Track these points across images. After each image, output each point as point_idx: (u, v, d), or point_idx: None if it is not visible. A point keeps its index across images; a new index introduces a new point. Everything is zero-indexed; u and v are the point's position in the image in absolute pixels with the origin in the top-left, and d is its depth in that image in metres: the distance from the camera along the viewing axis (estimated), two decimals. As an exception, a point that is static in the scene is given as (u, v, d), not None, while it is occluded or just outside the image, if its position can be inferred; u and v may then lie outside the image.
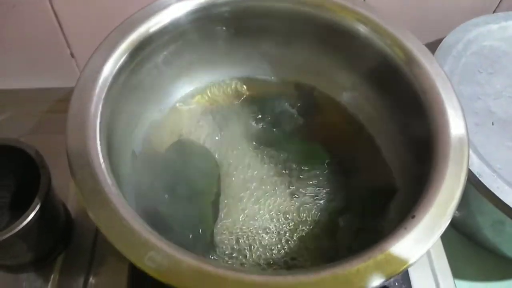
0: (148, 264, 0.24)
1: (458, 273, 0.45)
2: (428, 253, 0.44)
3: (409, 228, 0.25)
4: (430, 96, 0.32)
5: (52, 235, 0.40)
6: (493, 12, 0.56)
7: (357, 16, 0.37)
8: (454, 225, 0.50)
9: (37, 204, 0.34)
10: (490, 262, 0.49)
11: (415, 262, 0.24)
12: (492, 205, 0.40)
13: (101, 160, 0.28)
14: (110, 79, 0.32)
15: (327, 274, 0.24)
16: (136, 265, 0.24)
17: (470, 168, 0.40)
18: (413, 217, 0.26)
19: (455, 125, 0.30)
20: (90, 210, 0.26)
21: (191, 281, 0.24)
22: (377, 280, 0.24)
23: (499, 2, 0.56)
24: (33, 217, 0.34)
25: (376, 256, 0.24)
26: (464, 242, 0.50)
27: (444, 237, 0.45)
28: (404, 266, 0.24)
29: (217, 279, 0.24)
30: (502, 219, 0.41)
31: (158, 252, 0.24)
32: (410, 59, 0.34)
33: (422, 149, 0.32)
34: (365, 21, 0.36)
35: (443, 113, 0.30)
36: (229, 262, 0.34)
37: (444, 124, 0.30)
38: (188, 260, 0.24)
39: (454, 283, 0.42)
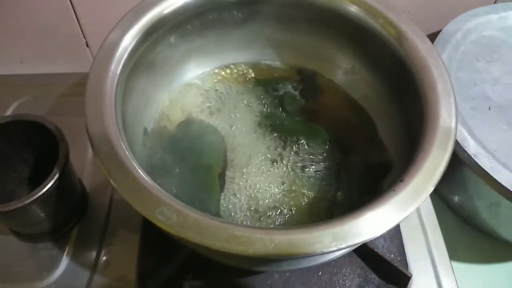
0: (158, 218, 0.26)
1: (455, 256, 0.47)
2: (425, 236, 0.45)
3: (397, 190, 0.27)
4: (422, 74, 0.33)
5: (69, 206, 0.42)
6: (494, 3, 0.57)
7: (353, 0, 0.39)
8: (451, 209, 0.52)
9: (56, 173, 0.37)
10: (487, 245, 0.50)
11: (403, 219, 0.26)
12: (488, 187, 0.42)
13: (116, 127, 0.30)
14: (125, 56, 0.34)
15: (323, 230, 0.26)
16: (147, 219, 0.26)
17: (466, 149, 0.42)
18: (401, 180, 0.28)
19: (444, 99, 0.32)
20: (106, 171, 0.28)
21: (198, 233, 0.26)
22: (369, 235, 0.26)
23: (500, -7, 0.57)
24: (51, 185, 0.36)
25: (366, 214, 0.27)
26: (462, 225, 0.51)
27: (442, 221, 0.47)
28: (394, 222, 0.26)
29: (220, 231, 0.26)
30: (498, 200, 0.43)
31: (168, 207, 0.26)
32: (402, 39, 0.35)
33: (416, 126, 0.34)
34: (360, 3, 0.38)
35: (433, 88, 0.32)
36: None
37: (433, 99, 0.32)
38: (194, 215, 0.26)
39: (451, 266, 0.44)
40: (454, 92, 0.32)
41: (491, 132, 0.45)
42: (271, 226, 0.36)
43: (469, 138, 0.43)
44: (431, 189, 0.27)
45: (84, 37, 0.56)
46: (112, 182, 0.28)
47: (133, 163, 0.29)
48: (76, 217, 0.44)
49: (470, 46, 0.52)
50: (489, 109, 0.47)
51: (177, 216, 0.26)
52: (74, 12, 0.52)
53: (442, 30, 0.52)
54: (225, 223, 0.26)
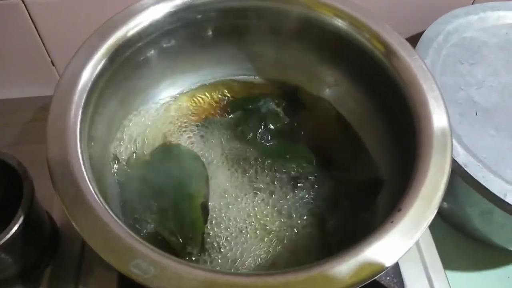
0: (134, 271, 0.24)
1: (449, 265, 0.45)
2: (418, 246, 0.44)
3: (395, 222, 0.25)
4: (411, 88, 0.32)
5: (38, 246, 0.39)
6: (472, 3, 0.57)
7: (335, 11, 0.37)
8: (443, 216, 0.51)
9: (20, 216, 0.34)
10: (481, 252, 0.49)
11: (404, 255, 0.24)
12: (479, 195, 0.40)
13: (82, 167, 0.28)
14: (89, 84, 0.31)
15: (316, 272, 0.24)
16: (122, 272, 0.24)
17: (456, 159, 0.41)
18: (399, 210, 0.26)
19: (437, 116, 0.30)
20: (72, 219, 0.26)
21: (179, 285, 0.23)
22: (368, 275, 0.24)
23: (477, -7, 0.57)
24: (16, 230, 0.33)
25: (365, 251, 0.24)
26: (454, 233, 0.50)
27: (434, 229, 0.45)
28: (394, 259, 0.24)
29: (204, 283, 0.23)
30: (490, 208, 0.41)
31: (144, 259, 0.24)
32: (390, 52, 0.34)
33: (407, 142, 0.32)
34: (343, 16, 0.36)
35: (425, 104, 0.31)
36: (218, 263, 0.34)
37: (426, 116, 0.30)
38: (174, 265, 0.24)
39: (446, 275, 0.42)
40: (446, 108, 0.30)
41: (479, 138, 0.43)
42: (267, 271, 0.33)
43: (458, 147, 0.42)
44: (431, 218, 0.26)
45: (49, 55, 0.53)
46: (79, 231, 0.25)
47: (103, 206, 0.26)
48: (47, 256, 0.41)
49: (452, 48, 0.51)
50: (476, 114, 0.46)
51: (154, 269, 0.24)
52: (36, 29, 0.49)
53: (423, 34, 0.50)
54: (209, 271, 0.24)
